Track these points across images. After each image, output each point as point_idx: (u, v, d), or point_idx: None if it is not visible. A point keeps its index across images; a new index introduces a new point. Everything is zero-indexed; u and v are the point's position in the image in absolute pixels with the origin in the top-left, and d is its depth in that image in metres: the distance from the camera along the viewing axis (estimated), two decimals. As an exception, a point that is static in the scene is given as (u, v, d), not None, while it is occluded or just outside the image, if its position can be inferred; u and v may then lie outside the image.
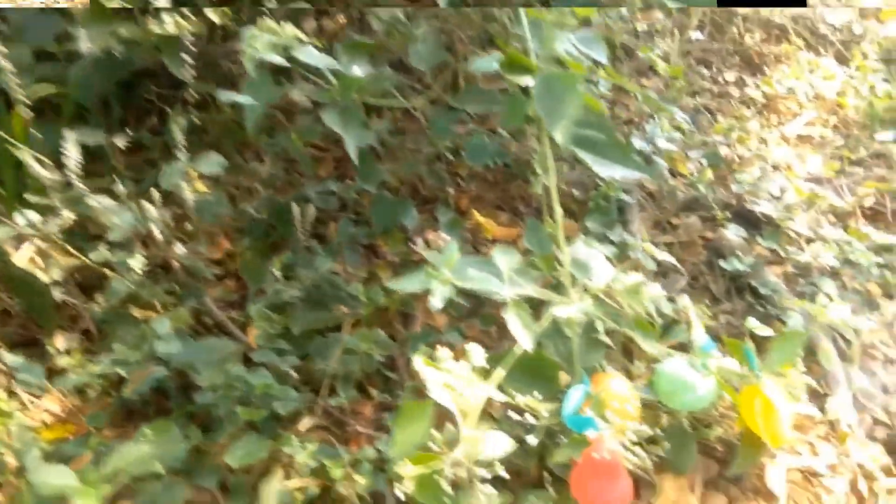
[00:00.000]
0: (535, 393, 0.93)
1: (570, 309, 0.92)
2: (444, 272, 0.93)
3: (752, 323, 1.08)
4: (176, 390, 1.14)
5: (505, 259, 1.02)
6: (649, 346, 0.91)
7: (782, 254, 1.43)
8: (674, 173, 1.67)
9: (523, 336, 0.94)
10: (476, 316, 1.30)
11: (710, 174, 1.52)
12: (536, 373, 1.02)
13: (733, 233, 1.44)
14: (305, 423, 1.15)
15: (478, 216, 1.48)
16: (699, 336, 1.08)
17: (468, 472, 0.80)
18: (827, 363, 1.27)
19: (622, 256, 1.42)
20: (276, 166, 1.30)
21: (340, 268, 1.31)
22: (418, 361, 0.73)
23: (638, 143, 1.56)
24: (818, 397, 1.25)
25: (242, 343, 1.20)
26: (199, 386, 1.09)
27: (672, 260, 1.43)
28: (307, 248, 1.25)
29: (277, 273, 1.15)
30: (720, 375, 1.04)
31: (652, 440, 1.09)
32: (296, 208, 1.21)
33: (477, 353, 0.74)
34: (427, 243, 1.28)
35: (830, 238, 1.42)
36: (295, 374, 1.15)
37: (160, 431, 1.04)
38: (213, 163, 0.99)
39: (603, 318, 0.96)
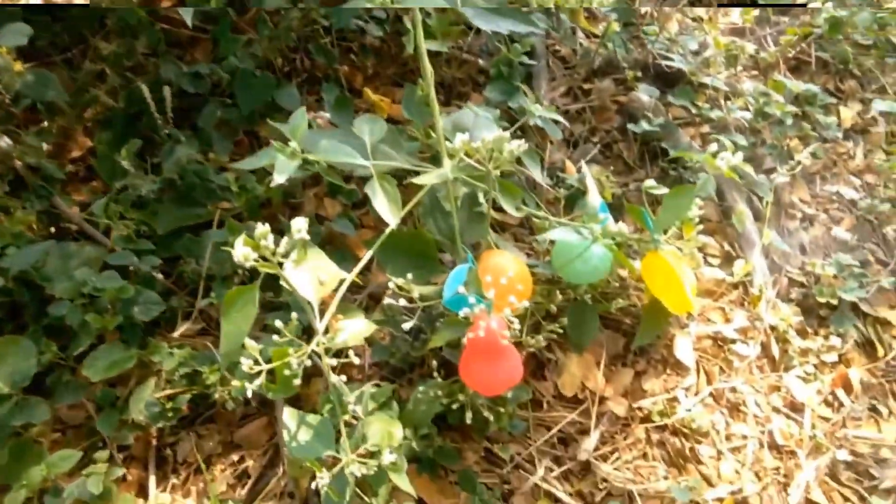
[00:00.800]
0: (409, 275, 0.83)
1: (431, 176, 0.81)
2: (291, 145, 0.81)
3: (649, 183, 0.99)
4: (31, 304, 1.03)
5: (369, 128, 0.90)
6: (512, 208, 0.81)
7: (696, 112, 1.33)
8: (588, 35, 1.54)
9: (387, 211, 0.83)
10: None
11: (616, 27, 1.39)
12: (415, 253, 0.93)
13: (644, 93, 1.33)
14: (181, 328, 1.05)
15: (370, 94, 1.34)
16: (592, 201, 0.99)
17: (324, 363, 0.72)
18: (740, 224, 1.20)
19: (522, 125, 1.31)
20: (123, 45, 1.14)
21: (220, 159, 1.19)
22: (238, 244, 0.62)
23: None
24: (732, 261, 1.19)
25: (105, 247, 1.08)
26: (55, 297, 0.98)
27: (569, 125, 1.32)
28: (169, 137, 1.11)
29: (126, 164, 1.01)
30: (617, 241, 0.96)
31: (551, 317, 1.02)
32: (146, 90, 1.07)
33: (299, 224, 0.63)
34: (309, 125, 1.15)
35: (747, 91, 1.32)
36: (162, 277, 1.04)
37: (8, 347, 0.93)
38: (15, 33, 0.83)
39: (471, 181, 0.86)
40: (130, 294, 0.94)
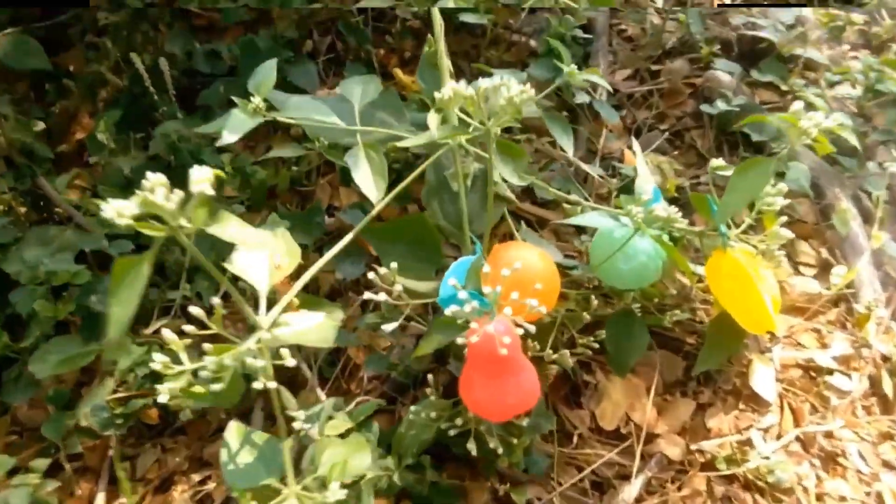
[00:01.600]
0: (394, 264, 0.66)
1: (417, 139, 0.64)
2: (254, 101, 0.66)
3: (717, 163, 0.78)
4: None
5: (360, 89, 0.74)
6: (513, 175, 0.61)
7: (787, 90, 1.09)
8: (661, 12, 1.32)
9: (370, 184, 0.67)
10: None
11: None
12: (413, 241, 0.75)
13: (724, 69, 1.10)
14: (156, 324, 0.92)
15: (400, 74, 1.18)
16: (644, 186, 0.78)
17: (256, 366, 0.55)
18: (843, 226, 0.95)
19: (572, 109, 1.12)
20: (124, 15, 1.04)
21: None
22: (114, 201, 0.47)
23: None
24: (831, 272, 0.95)
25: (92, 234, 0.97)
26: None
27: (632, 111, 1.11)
28: (166, 114, 0.99)
29: (103, 137, 0.90)
30: (671, 235, 0.75)
31: (589, 330, 0.82)
32: (139, 63, 0.96)
33: (199, 174, 0.47)
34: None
35: (854, 69, 1.07)
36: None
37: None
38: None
39: (467, 148, 0.68)
40: (86, 279, 0.81)
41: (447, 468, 0.78)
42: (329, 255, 0.67)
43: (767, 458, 0.79)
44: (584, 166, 1.01)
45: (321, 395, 0.84)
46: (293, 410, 0.60)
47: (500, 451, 0.73)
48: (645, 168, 0.78)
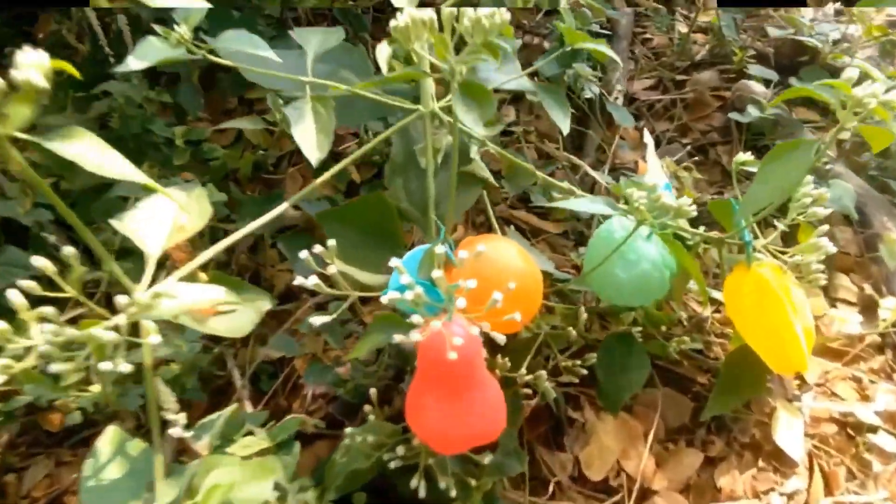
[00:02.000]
0: (331, 242, 0.52)
1: (371, 83, 0.51)
2: (178, 30, 0.54)
3: (743, 157, 0.64)
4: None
5: (318, 39, 0.61)
6: (475, 122, 0.47)
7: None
8: (688, 22, 1.20)
9: (311, 141, 0.53)
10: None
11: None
12: (369, 226, 0.62)
13: (759, 77, 0.97)
14: (73, 311, 0.79)
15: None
16: (650, 179, 0.64)
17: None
18: (891, 257, 0.80)
19: (583, 112, 0.99)
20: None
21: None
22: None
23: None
24: (876, 311, 0.79)
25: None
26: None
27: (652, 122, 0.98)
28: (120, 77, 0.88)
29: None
30: (685, 241, 0.60)
31: (579, 354, 0.67)
32: (94, 19, 0.85)
33: (26, 57, 0.35)
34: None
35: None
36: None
37: None
38: None
39: (442, 117, 0.55)
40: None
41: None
42: (250, 228, 0.54)
43: (791, 531, 0.62)
44: (592, 172, 0.87)
45: (249, 408, 0.70)
46: (170, 412, 0.46)
47: (454, 493, 0.58)
48: (656, 161, 0.65)
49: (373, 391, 0.60)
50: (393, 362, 0.72)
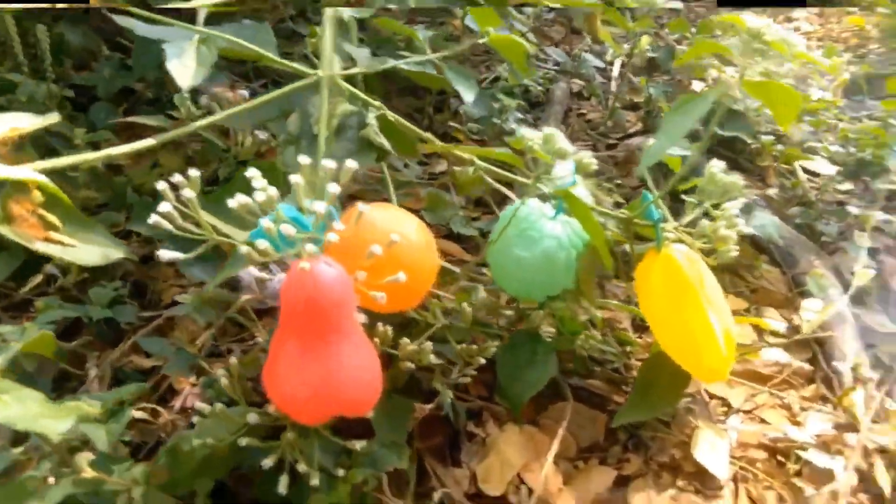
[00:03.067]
0: (192, 171, 0.47)
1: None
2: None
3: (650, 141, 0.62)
4: None
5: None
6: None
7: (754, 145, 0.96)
8: (616, 96, 1.23)
9: (184, 70, 0.50)
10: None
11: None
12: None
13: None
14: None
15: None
16: (562, 170, 0.61)
17: None
18: (820, 291, 0.76)
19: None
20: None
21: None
22: None
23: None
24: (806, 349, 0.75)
25: None
26: None
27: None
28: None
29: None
30: (590, 226, 0.56)
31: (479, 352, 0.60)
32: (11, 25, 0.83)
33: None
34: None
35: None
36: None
37: None
38: None
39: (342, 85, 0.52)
40: None
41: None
42: (103, 153, 0.49)
43: (714, 555, 0.53)
44: (466, 98, 0.82)
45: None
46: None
47: (314, 482, 0.49)
48: (567, 144, 0.62)
49: (233, 360, 0.52)
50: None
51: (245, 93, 0.91)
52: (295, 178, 0.42)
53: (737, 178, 0.59)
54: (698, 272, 0.57)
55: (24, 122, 0.46)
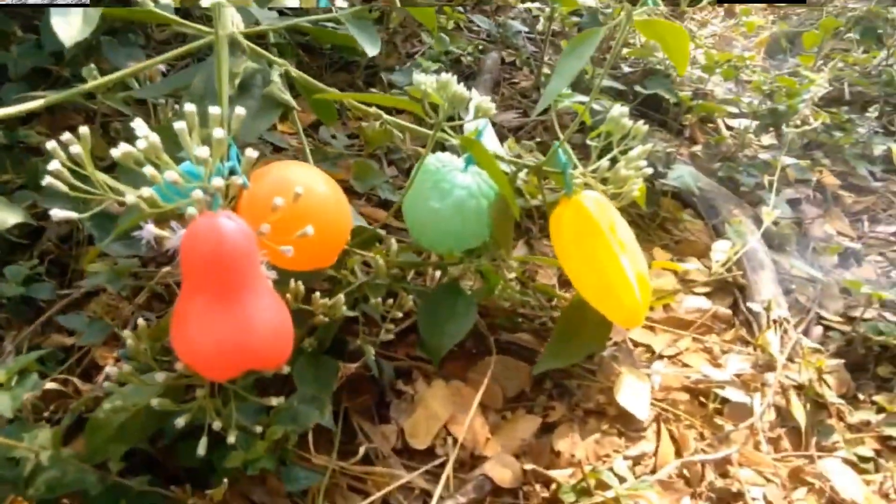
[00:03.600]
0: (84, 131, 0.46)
1: None
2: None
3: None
4: None
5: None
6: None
7: (675, 102, 0.98)
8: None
9: (69, 30, 0.49)
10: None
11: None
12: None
13: (608, 85, 0.99)
14: None
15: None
16: (472, 123, 0.61)
17: None
18: (739, 237, 0.78)
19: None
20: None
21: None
22: None
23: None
24: (728, 295, 0.77)
25: None
26: None
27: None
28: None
29: None
30: (499, 179, 0.56)
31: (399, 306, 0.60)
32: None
33: None
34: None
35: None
36: None
37: None
38: None
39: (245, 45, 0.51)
40: None
41: (158, 468, 0.53)
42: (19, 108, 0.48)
43: (635, 490, 0.55)
44: (368, 50, 0.80)
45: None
46: None
47: (231, 440, 0.49)
48: (463, 90, 0.62)
49: (141, 321, 0.51)
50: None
51: (161, 67, 0.90)
52: (179, 125, 0.41)
53: (641, 124, 0.60)
54: (609, 217, 0.58)
55: None
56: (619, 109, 0.59)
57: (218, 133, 0.42)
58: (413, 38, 1.27)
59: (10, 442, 0.45)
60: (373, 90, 1.15)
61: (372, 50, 0.60)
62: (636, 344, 0.71)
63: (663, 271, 0.78)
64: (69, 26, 0.49)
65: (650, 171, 0.58)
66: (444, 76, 0.53)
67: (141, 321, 0.52)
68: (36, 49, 0.90)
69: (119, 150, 0.41)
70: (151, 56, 1.05)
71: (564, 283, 0.78)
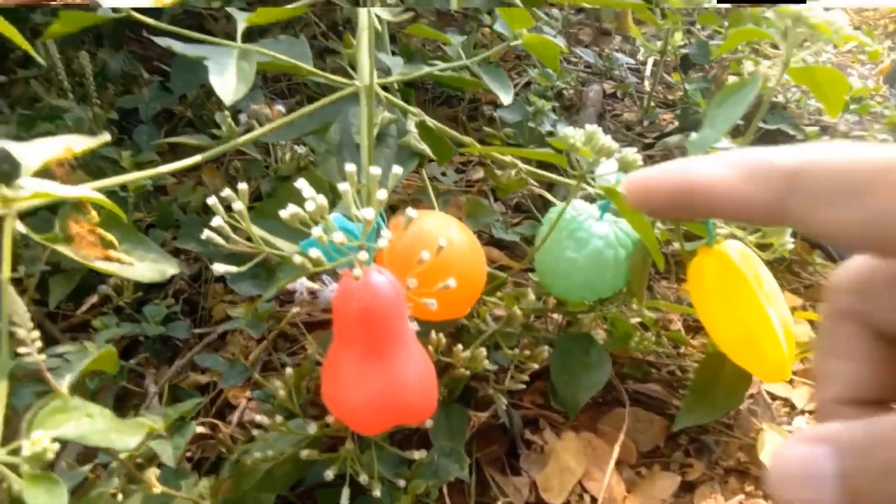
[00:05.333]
0: (241, 185, 0.47)
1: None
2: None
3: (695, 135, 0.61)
4: None
5: (245, 14, 0.61)
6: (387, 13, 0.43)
7: (801, 139, 0.94)
8: (650, 94, 1.22)
9: (226, 85, 0.51)
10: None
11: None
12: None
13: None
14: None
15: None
16: (605, 168, 0.60)
17: None
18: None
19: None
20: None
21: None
22: None
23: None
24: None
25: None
26: None
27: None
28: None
29: None
30: (640, 225, 0.55)
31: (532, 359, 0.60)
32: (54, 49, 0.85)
33: None
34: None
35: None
36: None
37: None
38: None
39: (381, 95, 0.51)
40: None
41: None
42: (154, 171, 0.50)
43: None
44: (503, 99, 0.80)
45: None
46: (23, 328, 0.39)
47: (376, 493, 0.49)
48: (610, 141, 0.61)
49: (289, 371, 0.52)
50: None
51: (282, 108, 0.92)
52: (343, 186, 0.42)
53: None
54: (753, 268, 0.56)
55: (76, 143, 0.46)
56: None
57: (381, 194, 0.42)
58: (514, 70, 1.27)
59: (170, 491, 0.47)
60: (473, 123, 1.16)
61: (507, 99, 0.60)
62: (773, 397, 0.67)
63: (799, 319, 0.74)
64: (228, 86, 0.51)
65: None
66: (591, 127, 0.52)
67: (289, 370, 0.53)
68: (164, 92, 0.95)
69: (287, 212, 0.42)
70: (268, 97, 1.09)
71: (689, 327, 0.75)
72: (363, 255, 0.42)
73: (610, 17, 1.15)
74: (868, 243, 0.16)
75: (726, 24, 1.20)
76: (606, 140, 0.51)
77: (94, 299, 0.75)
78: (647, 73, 1.33)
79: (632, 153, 0.52)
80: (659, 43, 1.13)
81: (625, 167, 0.53)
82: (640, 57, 1.36)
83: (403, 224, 0.42)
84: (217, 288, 0.82)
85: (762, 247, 0.57)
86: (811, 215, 0.16)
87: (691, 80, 1.17)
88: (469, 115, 1.17)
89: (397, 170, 0.44)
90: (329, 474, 0.49)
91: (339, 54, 1.05)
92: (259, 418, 0.51)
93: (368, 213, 0.42)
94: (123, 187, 0.75)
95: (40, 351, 0.39)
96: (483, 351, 0.53)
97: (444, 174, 0.99)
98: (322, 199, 0.42)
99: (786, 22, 0.49)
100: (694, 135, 0.63)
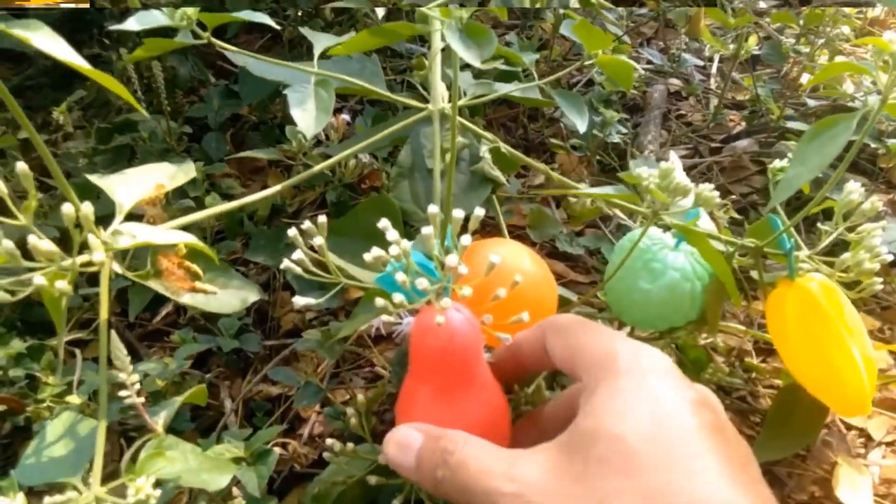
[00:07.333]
0: (321, 220, 0.48)
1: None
2: (184, 12, 0.54)
3: (780, 163, 0.59)
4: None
5: (324, 39, 0.61)
6: (477, 60, 0.42)
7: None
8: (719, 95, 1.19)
9: (308, 119, 0.51)
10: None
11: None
12: (371, 231, 0.58)
13: (796, 126, 0.93)
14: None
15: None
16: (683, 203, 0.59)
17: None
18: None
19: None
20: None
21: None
22: None
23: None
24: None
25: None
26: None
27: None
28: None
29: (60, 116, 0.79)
30: (713, 259, 0.54)
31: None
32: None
33: None
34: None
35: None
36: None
37: None
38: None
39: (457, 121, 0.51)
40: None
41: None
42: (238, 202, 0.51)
43: None
44: (579, 126, 0.79)
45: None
46: (123, 371, 0.40)
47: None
48: (682, 172, 0.60)
49: (361, 397, 0.53)
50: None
51: (346, 117, 0.93)
52: (426, 230, 0.42)
53: (875, 200, 0.55)
54: (837, 303, 0.54)
55: (164, 176, 0.48)
56: (852, 185, 0.55)
57: (465, 240, 0.42)
58: (567, 60, 1.24)
59: (253, 517, 0.48)
60: (534, 124, 1.15)
61: (582, 126, 0.59)
62: (849, 427, 0.66)
63: (878, 347, 0.72)
64: (308, 116, 0.52)
65: (890, 257, 0.54)
66: (665, 165, 0.51)
67: (360, 397, 0.54)
68: (230, 98, 0.96)
69: (370, 255, 0.42)
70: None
71: (760, 351, 0.73)
72: (446, 302, 0.42)
73: (682, 19, 1.12)
74: None
75: (801, 21, 1.16)
76: (682, 177, 0.50)
77: (168, 308, 0.78)
78: (713, 71, 1.29)
79: (708, 189, 0.51)
80: (732, 46, 1.10)
81: (701, 203, 0.51)
82: (706, 54, 1.32)
83: (486, 271, 0.42)
84: (285, 296, 0.84)
85: (849, 285, 0.55)
86: None
87: (762, 81, 1.13)
88: (529, 115, 1.16)
89: (479, 212, 0.44)
90: (397, 503, 0.50)
91: (405, 70, 1.05)
92: (329, 441, 0.52)
93: (452, 260, 0.42)
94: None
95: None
96: (542, 383, 0.53)
97: (507, 181, 0.98)
98: (406, 244, 0.42)
99: (886, 59, 0.47)
100: (777, 162, 0.61)
